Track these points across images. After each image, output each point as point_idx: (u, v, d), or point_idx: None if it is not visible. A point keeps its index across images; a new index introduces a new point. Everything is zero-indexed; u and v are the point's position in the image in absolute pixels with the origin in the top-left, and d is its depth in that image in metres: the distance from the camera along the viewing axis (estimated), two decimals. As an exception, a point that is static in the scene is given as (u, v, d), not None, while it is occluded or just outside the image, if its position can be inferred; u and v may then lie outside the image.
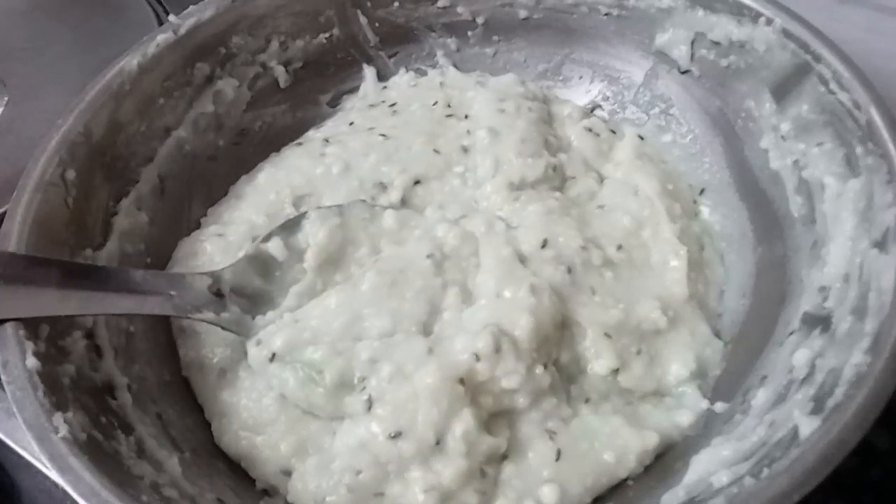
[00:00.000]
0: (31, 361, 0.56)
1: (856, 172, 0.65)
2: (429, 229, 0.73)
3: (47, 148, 0.68)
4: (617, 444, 0.64)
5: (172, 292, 0.66)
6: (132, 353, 0.68)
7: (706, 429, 0.65)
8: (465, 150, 0.82)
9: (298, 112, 0.92)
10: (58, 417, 0.54)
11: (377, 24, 0.93)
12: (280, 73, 0.90)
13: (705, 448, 0.60)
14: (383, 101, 0.90)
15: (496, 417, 0.64)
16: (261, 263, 0.71)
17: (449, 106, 0.87)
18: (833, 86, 0.68)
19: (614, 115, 0.91)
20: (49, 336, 0.60)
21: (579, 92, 0.93)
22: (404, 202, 0.78)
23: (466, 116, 0.85)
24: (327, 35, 0.91)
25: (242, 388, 0.68)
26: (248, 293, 0.70)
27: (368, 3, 0.92)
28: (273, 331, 0.67)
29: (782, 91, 0.74)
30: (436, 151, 0.81)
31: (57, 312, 0.60)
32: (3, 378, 0.56)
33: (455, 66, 0.95)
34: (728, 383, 0.68)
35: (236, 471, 0.66)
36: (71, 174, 0.68)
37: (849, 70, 0.67)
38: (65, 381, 0.58)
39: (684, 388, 0.69)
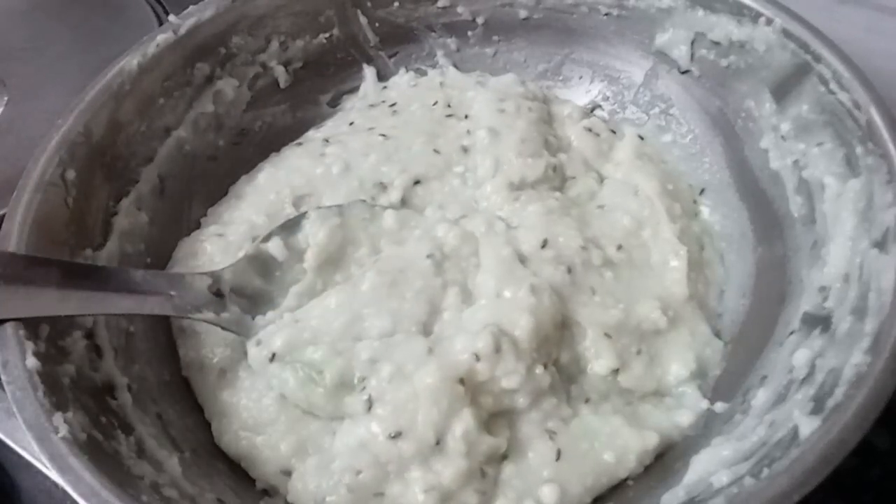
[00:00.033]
0: (31, 361, 0.56)
1: (856, 172, 0.65)
2: (429, 229, 0.73)
3: (47, 148, 0.68)
4: (617, 444, 0.64)
5: (172, 292, 0.66)
6: (132, 353, 0.68)
7: (706, 429, 0.65)
8: (465, 150, 0.82)
9: (298, 112, 0.92)
10: (58, 417, 0.54)
11: (377, 24, 0.93)
12: (280, 73, 0.90)
13: (705, 448, 0.60)
14: (383, 101, 0.90)
15: (496, 417, 0.64)
16: (261, 263, 0.71)
17: (449, 106, 0.87)
18: (833, 86, 0.68)
19: (614, 115, 0.91)
20: (49, 336, 0.60)
21: (579, 92, 0.93)
22: (404, 202, 0.78)
23: (466, 116, 0.85)
24: (327, 35, 0.91)
25: (242, 388, 0.68)
26: (248, 293, 0.70)
27: (368, 3, 0.92)
28: (273, 331, 0.67)
29: (782, 91, 0.74)
30: (436, 151, 0.81)
31: (57, 312, 0.60)
32: (3, 378, 0.56)
33: (455, 66, 0.95)
34: (728, 383, 0.68)
35: (236, 471, 0.66)
36: (71, 174, 0.68)
37: (849, 70, 0.67)
38: (65, 381, 0.58)
39: (684, 388, 0.69)
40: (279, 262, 0.72)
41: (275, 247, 0.71)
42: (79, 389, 0.59)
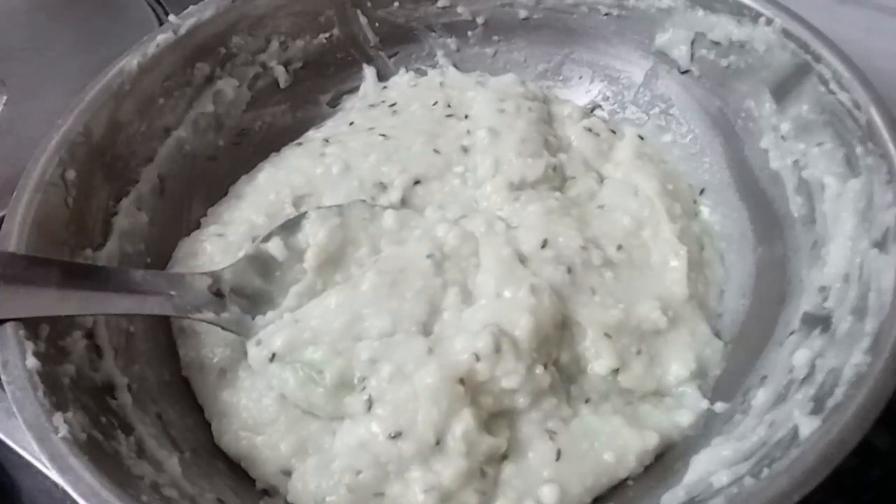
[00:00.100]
0: (31, 361, 0.56)
1: (856, 172, 0.65)
2: (429, 229, 0.73)
3: (47, 148, 0.68)
4: (617, 444, 0.64)
5: (172, 292, 0.66)
6: (132, 353, 0.68)
7: (706, 429, 0.65)
8: (465, 150, 0.82)
9: (298, 112, 0.92)
10: (58, 417, 0.54)
11: (377, 24, 0.93)
12: (280, 73, 0.90)
13: (705, 448, 0.60)
14: (383, 101, 0.90)
15: (496, 417, 0.64)
16: (261, 263, 0.71)
17: (449, 106, 0.87)
18: (833, 86, 0.68)
19: (614, 115, 0.91)
20: (49, 336, 0.60)
21: (579, 92, 0.93)
22: (404, 202, 0.78)
23: (466, 116, 0.85)
24: (327, 35, 0.91)
25: (242, 388, 0.68)
26: (248, 293, 0.70)
27: (368, 3, 0.92)
28: (273, 331, 0.67)
29: (782, 91, 0.74)
30: (436, 151, 0.81)
31: (57, 312, 0.60)
32: (3, 378, 0.56)
33: (455, 66, 0.94)
34: (728, 383, 0.68)
35: (236, 471, 0.66)
36: (71, 174, 0.68)
37: (849, 70, 0.67)
38: (65, 381, 0.58)
39: (684, 388, 0.69)
40: (279, 262, 0.72)
41: (275, 247, 0.71)
42: (79, 389, 0.59)
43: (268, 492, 0.65)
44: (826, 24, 0.71)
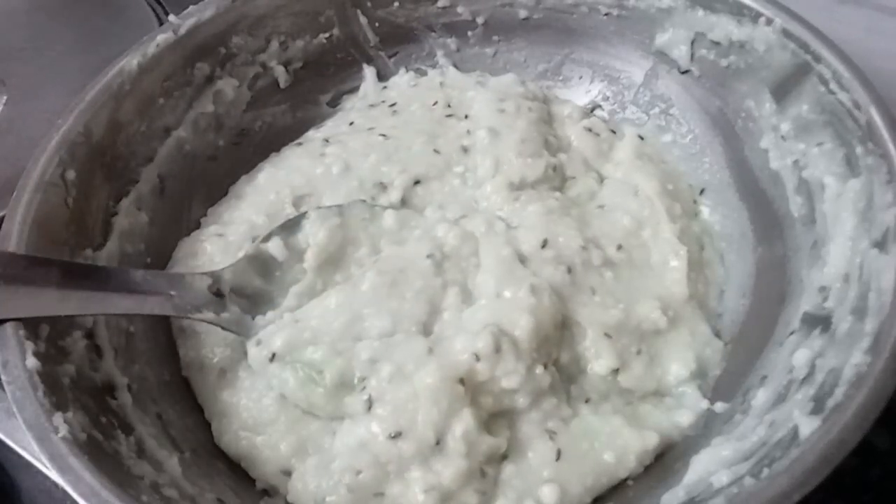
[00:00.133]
0: (31, 361, 0.56)
1: (856, 172, 0.65)
2: (429, 229, 0.73)
3: (47, 148, 0.68)
4: (617, 444, 0.64)
5: (172, 292, 0.66)
6: (132, 353, 0.68)
7: (706, 429, 0.65)
8: (465, 150, 0.82)
9: (298, 112, 0.92)
10: (58, 417, 0.54)
11: (377, 24, 0.93)
12: (280, 73, 0.90)
13: (705, 448, 0.60)
14: (383, 101, 0.90)
15: (496, 417, 0.64)
16: (261, 263, 0.71)
17: (449, 106, 0.87)
18: (833, 86, 0.68)
19: (614, 115, 0.91)
20: (49, 336, 0.60)
21: (579, 92, 0.93)
22: (404, 202, 0.78)
23: (466, 116, 0.85)
24: (327, 35, 0.91)
25: (242, 388, 0.68)
26: (248, 293, 0.70)
27: (368, 3, 0.92)
28: (273, 331, 0.67)
29: (782, 91, 0.74)
30: (436, 151, 0.81)
31: (57, 312, 0.60)
32: (3, 378, 0.56)
33: (455, 66, 0.94)
34: (728, 383, 0.68)
35: (236, 471, 0.66)
36: (71, 174, 0.68)
37: (849, 70, 0.67)
38: (65, 381, 0.58)
39: (684, 388, 0.69)
40: (279, 262, 0.72)
41: (275, 247, 0.71)
42: (79, 389, 0.59)
43: (268, 492, 0.65)
44: (826, 24, 0.71)
